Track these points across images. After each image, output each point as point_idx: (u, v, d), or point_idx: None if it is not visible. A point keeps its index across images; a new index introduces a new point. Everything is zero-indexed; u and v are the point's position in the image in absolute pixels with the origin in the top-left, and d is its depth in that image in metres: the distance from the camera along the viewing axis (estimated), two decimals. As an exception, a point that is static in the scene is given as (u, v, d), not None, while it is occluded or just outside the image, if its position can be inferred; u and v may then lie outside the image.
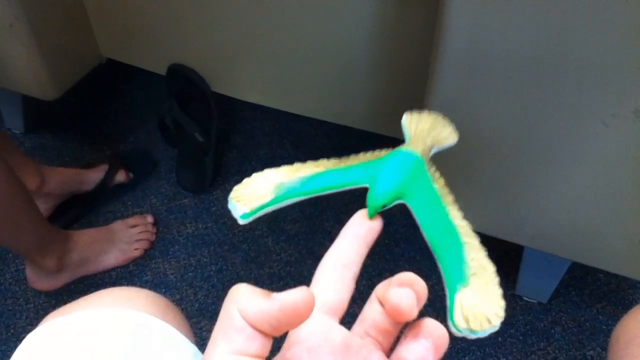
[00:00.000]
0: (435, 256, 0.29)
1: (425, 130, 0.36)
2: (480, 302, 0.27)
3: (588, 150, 0.68)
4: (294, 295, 0.23)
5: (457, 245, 0.29)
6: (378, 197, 0.31)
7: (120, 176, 1.16)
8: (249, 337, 0.23)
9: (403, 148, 0.33)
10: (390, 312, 0.25)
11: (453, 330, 0.26)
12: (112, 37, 1.09)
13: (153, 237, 1.10)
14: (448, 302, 0.27)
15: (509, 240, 0.84)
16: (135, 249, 1.07)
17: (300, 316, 0.23)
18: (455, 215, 0.31)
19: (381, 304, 0.27)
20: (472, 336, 0.26)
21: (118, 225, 1.09)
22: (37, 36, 0.95)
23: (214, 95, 1.08)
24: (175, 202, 1.18)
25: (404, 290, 0.25)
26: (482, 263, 0.29)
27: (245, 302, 0.23)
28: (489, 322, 0.26)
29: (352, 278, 0.29)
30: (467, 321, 0.26)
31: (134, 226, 1.09)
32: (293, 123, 1.28)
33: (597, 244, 0.78)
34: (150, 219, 1.12)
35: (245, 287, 0.24)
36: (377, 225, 0.30)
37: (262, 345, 0.23)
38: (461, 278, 0.28)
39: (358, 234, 0.30)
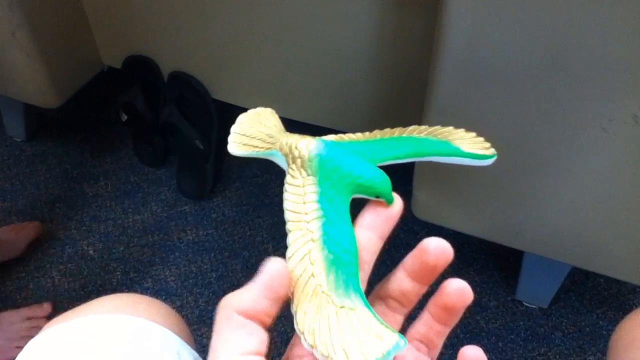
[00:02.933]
0: None
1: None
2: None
3: (587, 155, 0.68)
4: (271, 267, 0.25)
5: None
6: (384, 177, 0.29)
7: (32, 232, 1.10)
8: (248, 334, 0.24)
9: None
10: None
11: None
12: (113, 45, 1.09)
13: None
14: None
15: (508, 245, 0.84)
16: (17, 347, 0.91)
17: (284, 282, 0.25)
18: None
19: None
20: None
21: (8, 317, 0.96)
22: (39, 44, 0.96)
23: (214, 102, 1.09)
24: (176, 209, 1.18)
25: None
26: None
27: (237, 299, 0.25)
28: None
29: (364, 281, 0.27)
30: None
31: (28, 319, 0.96)
32: (293, 130, 1.28)
33: (597, 248, 0.78)
34: (47, 308, 0.99)
35: (231, 293, 0.25)
36: (396, 210, 0.29)
37: (261, 341, 0.24)
38: None
39: (373, 225, 0.28)
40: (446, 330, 0.28)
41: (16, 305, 1.03)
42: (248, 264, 1.08)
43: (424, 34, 0.79)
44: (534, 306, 1.02)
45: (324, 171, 0.29)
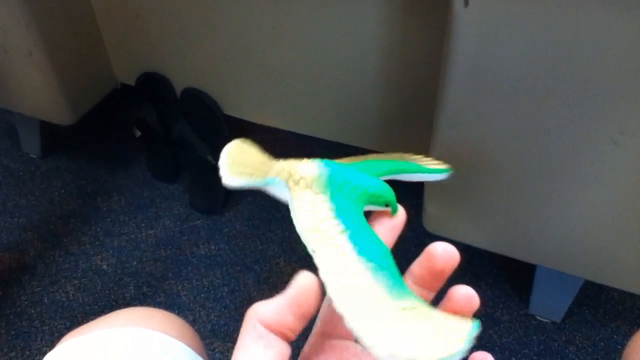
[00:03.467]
0: None
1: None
2: None
3: (598, 168, 0.68)
4: (300, 282, 0.24)
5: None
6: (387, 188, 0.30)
7: None
8: (266, 346, 0.24)
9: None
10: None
11: None
12: (127, 62, 1.11)
13: None
14: None
15: (520, 258, 0.84)
16: None
17: (312, 299, 0.24)
18: None
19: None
20: None
21: None
22: (55, 63, 0.98)
23: (225, 117, 1.10)
24: (188, 223, 1.19)
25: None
26: None
27: (262, 310, 0.24)
28: None
29: None
30: None
31: None
32: (303, 144, 1.30)
33: (610, 261, 0.78)
34: None
35: (259, 303, 0.25)
36: (400, 219, 0.29)
37: (280, 354, 0.24)
38: None
39: (378, 234, 0.29)
40: None
41: (31, 319, 1.04)
42: (260, 278, 1.09)
43: (432, 46, 0.80)
44: (547, 320, 1.02)
45: (334, 186, 0.29)
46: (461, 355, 0.22)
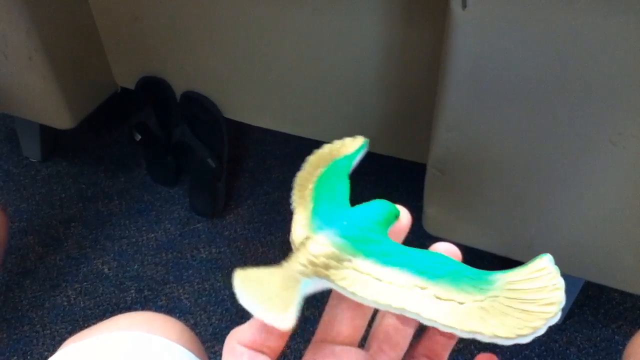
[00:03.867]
0: None
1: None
2: None
3: (597, 169, 0.68)
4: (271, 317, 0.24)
5: None
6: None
7: None
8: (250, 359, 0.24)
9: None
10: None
11: None
12: (126, 66, 1.11)
13: None
14: None
15: (520, 259, 0.84)
16: None
17: (280, 333, 0.25)
18: None
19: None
20: None
21: None
22: (55, 67, 0.98)
23: (225, 120, 1.10)
24: (189, 227, 1.19)
25: None
26: None
27: (240, 331, 0.25)
28: None
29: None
30: None
31: None
32: (304, 147, 1.30)
33: (611, 262, 0.78)
34: None
35: (237, 327, 0.25)
36: (404, 223, 0.29)
37: None
38: None
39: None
40: (451, 343, 0.29)
41: (32, 324, 1.04)
42: (260, 281, 1.09)
43: (431, 50, 0.80)
44: (548, 321, 1.02)
45: (357, 240, 0.27)
46: (542, 332, 0.23)
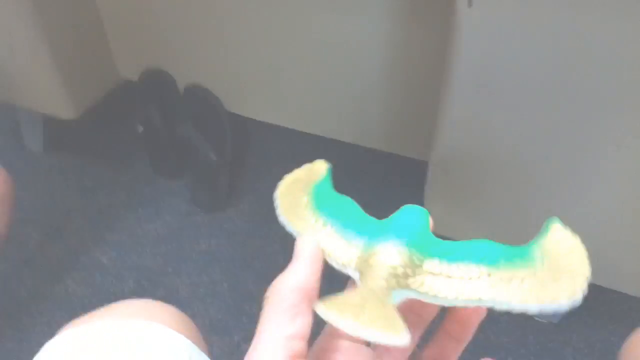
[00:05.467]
0: None
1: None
2: None
3: (600, 171, 0.68)
4: (306, 247, 0.29)
5: None
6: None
7: None
8: (296, 315, 0.25)
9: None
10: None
11: None
12: (130, 58, 1.12)
13: None
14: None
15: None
16: None
17: (321, 258, 0.28)
18: None
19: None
20: None
21: None
22: (59, 59, 0.99)
23: (228, 114, 1.10)
24: (189, 220, 1.20)
25: None
26: None
27: (292, 278, 0.27)
28: None
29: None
30: None
31: None
32: (307, 142, 1.30)
33: (610, 264, 0.78)
34: None
35: (281, 276, 0.28)
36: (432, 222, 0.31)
37: (307, 324, 0.25)
38: None
39: None
40: (460, 347, 0.29)
41: (30, 314, 1.04)
42: (259, 275, 1.09)
43: (436, 48, 0.80)
44: (545, 321, 1.02)
45: (419, 245, 0.27)
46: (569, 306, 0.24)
